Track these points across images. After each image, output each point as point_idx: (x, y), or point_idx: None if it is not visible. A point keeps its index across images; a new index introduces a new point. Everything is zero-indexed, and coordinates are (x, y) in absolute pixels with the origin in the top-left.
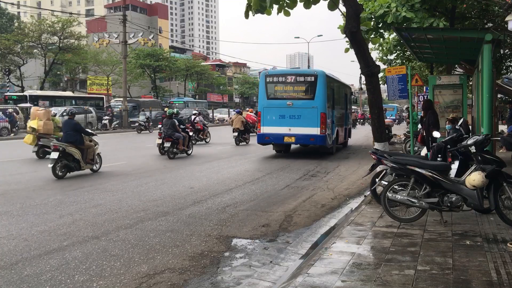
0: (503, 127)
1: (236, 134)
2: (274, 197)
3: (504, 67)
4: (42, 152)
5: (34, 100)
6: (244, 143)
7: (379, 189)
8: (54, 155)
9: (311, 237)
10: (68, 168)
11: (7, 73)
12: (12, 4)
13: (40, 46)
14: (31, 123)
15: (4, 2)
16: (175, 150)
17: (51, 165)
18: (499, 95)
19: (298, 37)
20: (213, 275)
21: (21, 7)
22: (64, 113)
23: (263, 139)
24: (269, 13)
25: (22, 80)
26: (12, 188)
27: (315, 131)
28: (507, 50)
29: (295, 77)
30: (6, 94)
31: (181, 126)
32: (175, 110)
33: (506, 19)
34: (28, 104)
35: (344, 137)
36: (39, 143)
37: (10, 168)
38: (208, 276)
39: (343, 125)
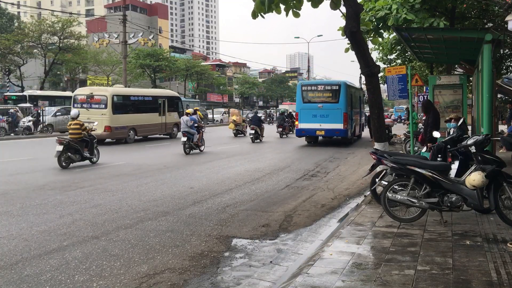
0: (503, 127)
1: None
2: (274, 197)
3: (504, 67)
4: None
5: (34, 100)
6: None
7: (379, 189)
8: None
9: (311, 237)
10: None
11: (7, 73)
12: (12, 4)
13: (40, 46)
14: (233, 118)
15: (4, 2)
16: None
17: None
18: (499, 95)
19: (298, 37)
20: (213, 275)
21: (21, 7)
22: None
23: (300, 133)
24: (278, 12)
25: (22, 80)
26: (12, 188)
27: (340, 126)
28: (507, 50)
29: (324, 86)
30: (5, 94)
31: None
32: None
33: (506, 19)
34: (28, 104)
35: (359, 131)
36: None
37: (10, 167)
38: (208, 276)
39: (358, 121)
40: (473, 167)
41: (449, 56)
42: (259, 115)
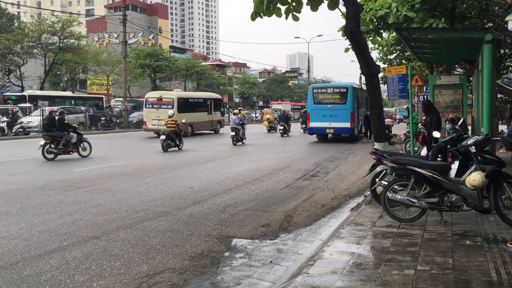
0: (503, 127)
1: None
2: (274, 197)
3: (504, 67)
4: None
5: (33, 100)
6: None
7: (379, 189)
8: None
9: (311, 237)
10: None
11: (7, 73)
12: (12, 4)
13: (40, 46)
14: (267, 116)
15: (4, 2)
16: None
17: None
18: (499, 95)
19: (298, 37)
20: (213, 275)
21: (21, 7)
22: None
23: (312, 131)
24: (279, 15)
25: (22, 80)
26: (11, 188)
27: (347, 125)
28: (507, 50)
29: (333, 89)
30: (5, 94)
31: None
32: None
33: (506, 19)
34: (27, 104)
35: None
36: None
37: (11, 167)
38: (208, 276)
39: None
40: (473, 167)
41: (449, 56)
42: (287, 114)
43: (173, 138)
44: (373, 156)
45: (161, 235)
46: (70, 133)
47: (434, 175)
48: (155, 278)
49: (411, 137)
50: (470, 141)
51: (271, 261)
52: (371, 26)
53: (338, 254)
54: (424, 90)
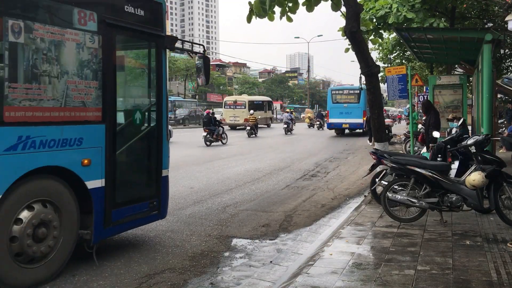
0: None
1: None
2: (274, 197)
3: (504, 67)
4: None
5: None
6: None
7: (379, 189)
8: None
9: (311, 237)
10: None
11: None
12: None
13: None
14: (308, 115)
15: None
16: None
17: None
18: (499, 95)
19: (298, 37)
20: (213, 275)
21: None
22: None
23: (331, 126)
24: (271, 19)
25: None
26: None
27: (360, 120)
28: (507, 50)
29: (348, 90)
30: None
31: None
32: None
33: (506, 19)
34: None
35: None
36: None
37: None
38: (208, 276)
39: None
40: (473, 167)
41: (449, 56)
42: (321, 112)
43: (253, 128)
44: (373, 156)
45: (161, 235)
46: (218, 127)
47: (434, 175)
48: (155, 278)
49: (411, 137)
50: (470, 141)
51: (271, 261)
52: (371, 26)
53: (338, 254)
54: (424, 90)
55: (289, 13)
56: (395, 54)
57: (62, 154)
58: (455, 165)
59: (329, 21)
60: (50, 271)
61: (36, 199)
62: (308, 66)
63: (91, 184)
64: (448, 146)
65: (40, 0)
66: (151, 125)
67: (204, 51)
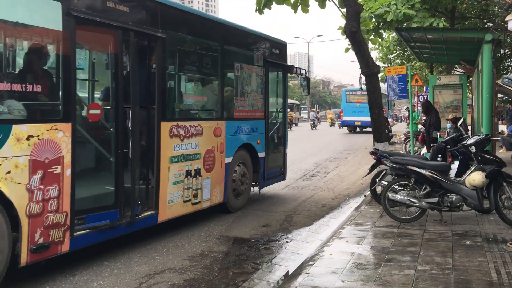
0: (503, 127)
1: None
2: (274, 197)
3: (504, 67)
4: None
5: None
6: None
7: (379, 189)
8: None
9: (311, 237)
10: None
11: None
12: None
13: None
14: (330, 116)
15: None
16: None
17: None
18: (499, 95)
19: (298, 37)
20: (213, 275)
21: None
22: None
23: (344, 123)
24: (289, 4)
25: None
26: None
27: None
28: (507, 50)
29: (361, 91)
30: None
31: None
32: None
33: (506, 19)
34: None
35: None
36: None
37: None
38: (208, 276)
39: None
40: (473, 167)
41: (449, 56)
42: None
43: (289, 123)
44: (373, 156)
45: (161, 235)
46: None
47: (434, 175)
48: (155, 278)
49: (411, 137)
50: (470, 141)
51: (271, 261)
52: (371, 26)
53: (338, 254)
54: (424, 90)
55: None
56: (395, 54)
57: (250, 136)
58: (455, 165)
59: (329, 21)
60: (244, 202)
61: (240, 161)
62: (308, 66)
63: (260, 155)
64: (448, 146)
65: (244, 53)
66: (280, 121)
67: (306, 73)
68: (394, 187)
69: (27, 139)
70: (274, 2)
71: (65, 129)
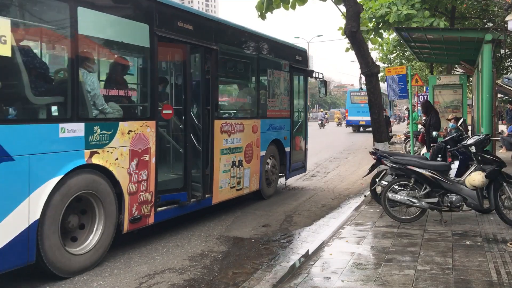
0: (503, 127)
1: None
2: (274, 197)
3: (504, 67)
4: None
5: None
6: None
7: (379, 189)
8: None
9: (311, 237)
10: None
11: None
12: None
13: None
14: (337, 115)
15: None
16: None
17: None
18: (499, 95)
19: (298, 37)
20: (213, 275)
21: None
22: None
23: (349, 122)
24: (286, 8)
25: None
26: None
27: None
28: (507, 50)
29: (365, 92)
30: None
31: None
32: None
33: (506, 19)
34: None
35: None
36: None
37: None
38: (208, 276)
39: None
40: (473, 167)
41: (449, 56)
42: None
43: None
44: (373, 156)
45: (161, 235)
46: None
47: (434, 175)
48: (155, 278)
49: (411, 137)
50: (470, 141)
51: (271, 261)
52: (371, 26)
53: (338, 254)
54: (424, 90)
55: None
56: (395, 54)
57: (278, 133)
58: (455, 165)
59: (329, 21)
60: (273, 190)
61: (271, 154)
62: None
63: (287, 149)
64: (448, 146)
65: (274, 60)
66: (301, 120)
67: (323, 77)
68: (394, 187)
69: (128, 133)
70: (274, 6)
71: (151, 125)
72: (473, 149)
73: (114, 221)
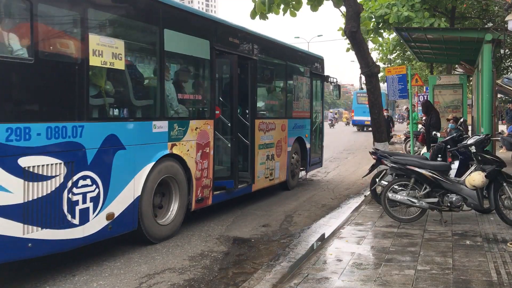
0: (503, 127)
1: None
2: (274, 197)
3: (504, 67)
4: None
5: None
6: None
7: (379, 189)
8: None
9: (311, 237)
10: None
11: None
12: None
13: None
14: (345, 115)
15: None
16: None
17: None
18: (499, 95)
19: (298, 37)
20: (213, 275)
21: None
22: None
23: (355, 122)
24: (277, 13)
25: None
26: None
27: None
28: (507, 50)
29: None
30: None
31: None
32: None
33: (506, 19)
34: None
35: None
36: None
37: None
38: (208, 276)
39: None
40: (473, 167)
41: (449, 56)
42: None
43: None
44: (373, 156)
45: None
46: None
47: (434, 175)
48: (155, 278)
49: (411, 137)
50: (470, 141)
51: (271, 261)
52: (371, 26)
53: (338, 254)
54: (424, 90)
55: (292, 9)
56: (395, 54)
57: (301, 131)
58: (455, 165)
59: (329, 21)
60: (296, 182)
61: (295, 150)
62: None
63: (307, 146)
64: (448, 146)
65: (298, 67)
66: (318, 120)
67: (337, 81)
68: (394, 187)
69: (195, 129)
70: (273, 11)
71: (210, 123)
72: (473, 149)
73: (185, 200)
